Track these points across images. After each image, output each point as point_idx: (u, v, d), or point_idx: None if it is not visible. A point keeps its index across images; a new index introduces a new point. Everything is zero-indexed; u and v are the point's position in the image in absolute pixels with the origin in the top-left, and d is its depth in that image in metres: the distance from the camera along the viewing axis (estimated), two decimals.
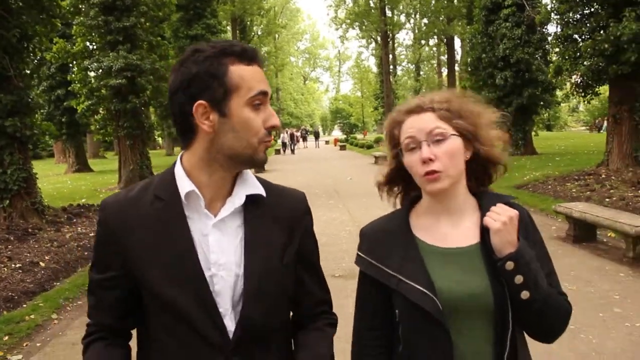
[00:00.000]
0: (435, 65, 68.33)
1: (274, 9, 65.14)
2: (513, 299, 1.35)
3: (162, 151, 43.66)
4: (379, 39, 53.12)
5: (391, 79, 54.66)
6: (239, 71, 1.27)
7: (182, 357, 1.31)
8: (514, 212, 1.37)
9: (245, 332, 1.30)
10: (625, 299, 5.21)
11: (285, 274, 1.38)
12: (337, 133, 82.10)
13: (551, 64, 13.85)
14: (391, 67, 58.53)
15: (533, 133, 20.92)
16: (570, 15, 12.15)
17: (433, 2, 42.70)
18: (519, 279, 1.33)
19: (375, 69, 71.34)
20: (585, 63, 12.13)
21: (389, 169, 1.57)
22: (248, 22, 53.09)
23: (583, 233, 7.59)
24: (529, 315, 1.37)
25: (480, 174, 1.53)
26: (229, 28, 47.11)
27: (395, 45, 64.57)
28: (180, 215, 1.31)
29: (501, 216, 1.36)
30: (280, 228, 1.39)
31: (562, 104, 17.55)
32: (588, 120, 54.83)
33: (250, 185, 1.37)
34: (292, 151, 41.08)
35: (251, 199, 1.35)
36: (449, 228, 1.46)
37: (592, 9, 12.06)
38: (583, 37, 12.16)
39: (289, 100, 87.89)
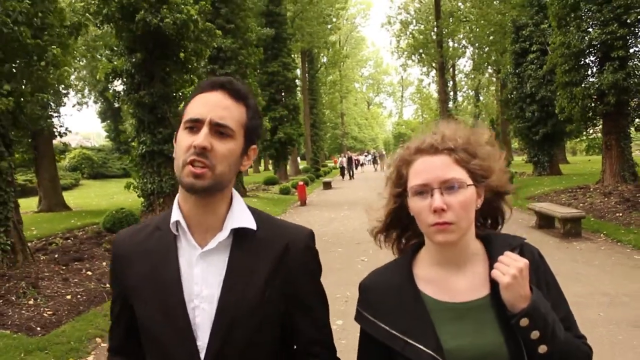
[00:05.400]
0: (494, 91, 70.99)
1: (339, 39, 69.91)
2: (530, 354, 1.27)
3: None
4: None
5: (451, 105, 57.86)
6: (193, 101, 1.33)
7: None
8: (523, 263, 1.26)
9: None
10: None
11: (265, 310, 1.34)
12: None
13: (557, 103, 17.47)
14: (452, 93, 61.56)
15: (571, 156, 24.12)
16: (566, 67, 15.88)
17: (485, 37, 46.05)
18: (535, 334, 1.24)
19: (436, 95, 74.49)
20: (579, 103, 15.76)
21: (388, 210, 1.46)
22: (315, 54, 57.65)
23: (544, 222, 11.43)
24: None
25: (488, 219, 1.47)
26: (298, 59, 51.84)
27: (456, 72, 67.47)
28: (171, 246, 1.35)
29: (510, 268, 1.25)
30: (267, 262, 1.36)
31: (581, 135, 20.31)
32: None
33: (238, 218, 1.37)
34: (351, 176, 38.70)
35: (241, 232, 1.36)
36: (456, 280, 1.35)
37: (582, 62, 15.76)
38: (576, 83, 15.81)
39: (353, 124, 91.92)
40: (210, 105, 1.29)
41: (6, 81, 7.03)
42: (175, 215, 1.34)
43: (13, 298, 6.43)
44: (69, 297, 6.81)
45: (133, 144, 15.00)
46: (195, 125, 1.28)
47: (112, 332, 1.51)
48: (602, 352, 4.58)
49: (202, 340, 1.30)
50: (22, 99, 7.33)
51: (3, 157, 7.28)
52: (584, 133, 18.53)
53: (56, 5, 8.14)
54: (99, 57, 23.04)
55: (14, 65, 7.31)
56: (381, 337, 1.34)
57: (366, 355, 1.44)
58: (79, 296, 6.88)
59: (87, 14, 10.07)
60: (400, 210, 1.42)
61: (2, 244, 7.37)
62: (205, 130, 1.26)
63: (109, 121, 48.33)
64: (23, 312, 6.12)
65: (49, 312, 6.22)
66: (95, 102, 47.44)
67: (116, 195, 27.59)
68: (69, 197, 23.87)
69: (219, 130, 1.28)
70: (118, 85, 14.31)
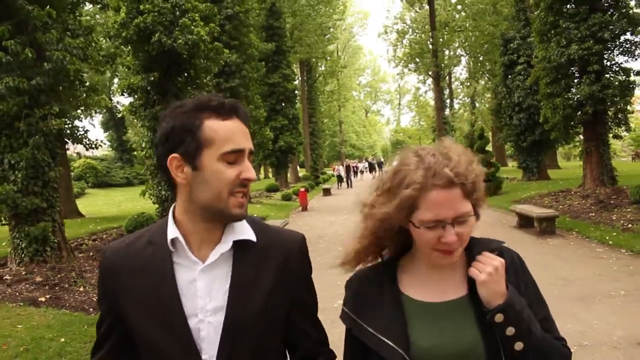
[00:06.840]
0: (489, 99, 72.15)
1: (337, 49, 71.06)
2: (506, 350, 1.32)
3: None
4: None
5: (447, 112, 58.99)
6: (213, 126, 1.28)
7: None
8: (499, 261, 1.34)
9: None
10: (515, 246, 10.34)
11: (271, 317, 1.37)
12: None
13: (541, 112, 18.75)
14: (448, 100, 62.71)
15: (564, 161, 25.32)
16: (547, 79, 17.16)
17: (479, 46, 47.40)
18: (510, 330, 1.29)
19: (432, 103, 75.57)
20: (560, 113, 17.03)
21: (379, 224, 1.43)
22: (313, 64, 58.69)
23: (525, 222, 12.65)
24: None
25: None
26: (297, 69, 52.79)
27: (453, 79, 68.59)
28: (167, 261, 1.33)
29: (486, 266, 1.33)
30: (269, 270, 1.38)
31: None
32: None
33: (238, 230, 1.37)
34: (349, 184, 38.51)
35: (242, 243, 1.37)
36: (437, 281, 1.42)
37: (562, 75, 17.04)
38: (557, 95, 17.08)
39: (351, 132, 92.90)
40: (241, 134, 1.31)
41: (54, 102, 8.26)
42: (172, 232, 1.34)
43: (66, 286, 7.64)
44: None
45: (135, 153, 16.25)
46: (236, 157, 1.29)
47: (97, 347, 1.46)
48: None
49: (208, 353, 1.31)
50: (67, 117, 8.55)
51: (51, 167, 8.50)
52: (575, 139, 19.69)
53: (95, 37, 9.37)
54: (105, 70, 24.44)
55: (60, 88, 8.55)
56: (360, 335, 1.42)
57: (350, 352, 1.50)
58: None
59: (121, 46, 11.26)
60: (391, 223, 1.42)
61: (51, 242, 8.59)
62: (248, 162, 1.31)
63: (111, 131, 49.33)
64: (76, 296, 7.32)
65: (97, 298, 7.40)
66: (99, 113, 48.73)
67: (123, 203, 28.67)
68: (78, 205, 24.55)
69: (250, 157, 1.33)
70: (135, 101, 15.50)
